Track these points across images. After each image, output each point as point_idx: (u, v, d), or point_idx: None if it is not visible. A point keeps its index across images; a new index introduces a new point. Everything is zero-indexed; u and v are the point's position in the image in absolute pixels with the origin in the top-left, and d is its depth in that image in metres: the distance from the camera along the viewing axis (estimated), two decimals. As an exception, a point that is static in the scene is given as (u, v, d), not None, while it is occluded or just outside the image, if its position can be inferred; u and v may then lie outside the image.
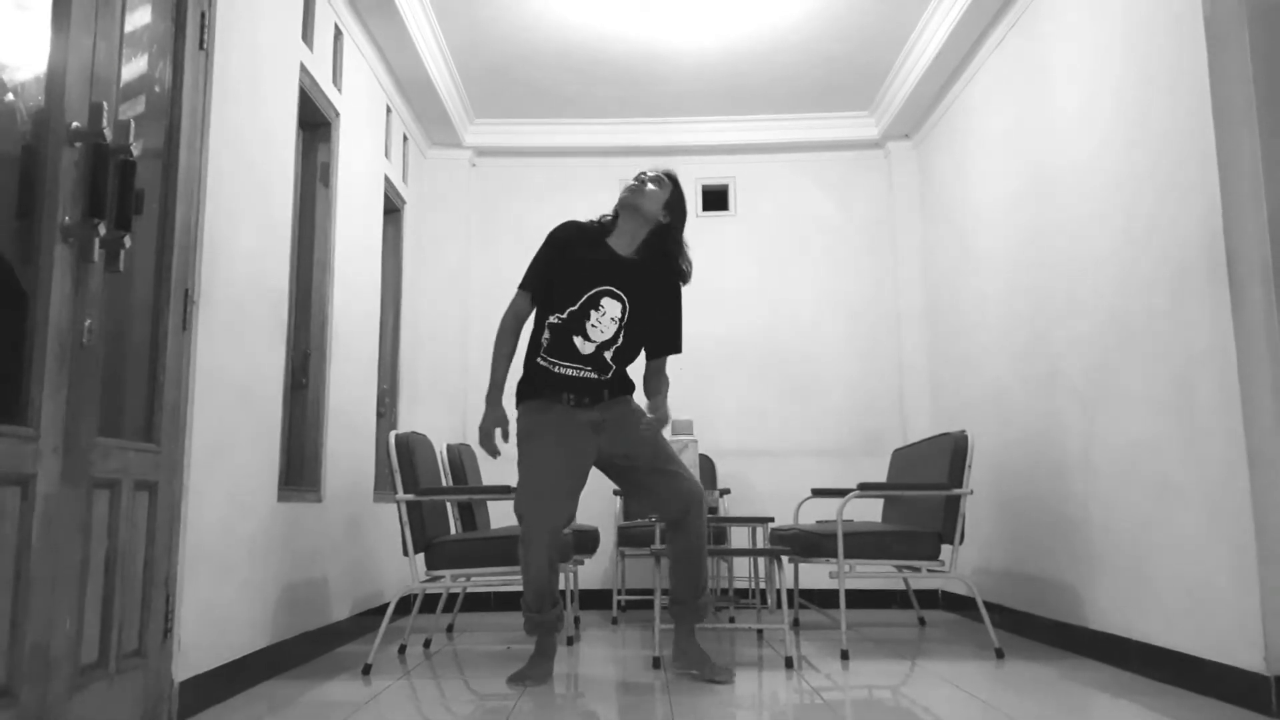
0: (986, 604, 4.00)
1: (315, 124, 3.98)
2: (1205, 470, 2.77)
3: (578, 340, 3.07)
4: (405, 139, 5.32)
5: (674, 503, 3.05)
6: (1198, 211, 2.79)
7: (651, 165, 3.36)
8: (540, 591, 3.00)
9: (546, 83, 5.33)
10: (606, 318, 3.07)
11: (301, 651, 3.52)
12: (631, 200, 3.12)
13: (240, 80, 2.96)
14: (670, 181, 3.18)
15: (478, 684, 3.12)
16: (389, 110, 4.95)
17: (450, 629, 4.59)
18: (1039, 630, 3.91)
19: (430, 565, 3.57)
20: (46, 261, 1.89)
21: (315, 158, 4.01)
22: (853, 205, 5.89)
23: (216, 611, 2.78)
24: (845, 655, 3.53)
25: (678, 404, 5.86)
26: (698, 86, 5.39)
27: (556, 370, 3.07)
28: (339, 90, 4.10)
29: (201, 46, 2.70)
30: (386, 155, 4.92)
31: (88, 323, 2.02)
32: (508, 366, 3.18)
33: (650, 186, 3.12)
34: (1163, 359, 2.99)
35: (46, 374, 1.88)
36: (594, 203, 5.89)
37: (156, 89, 2.49)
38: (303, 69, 3.61)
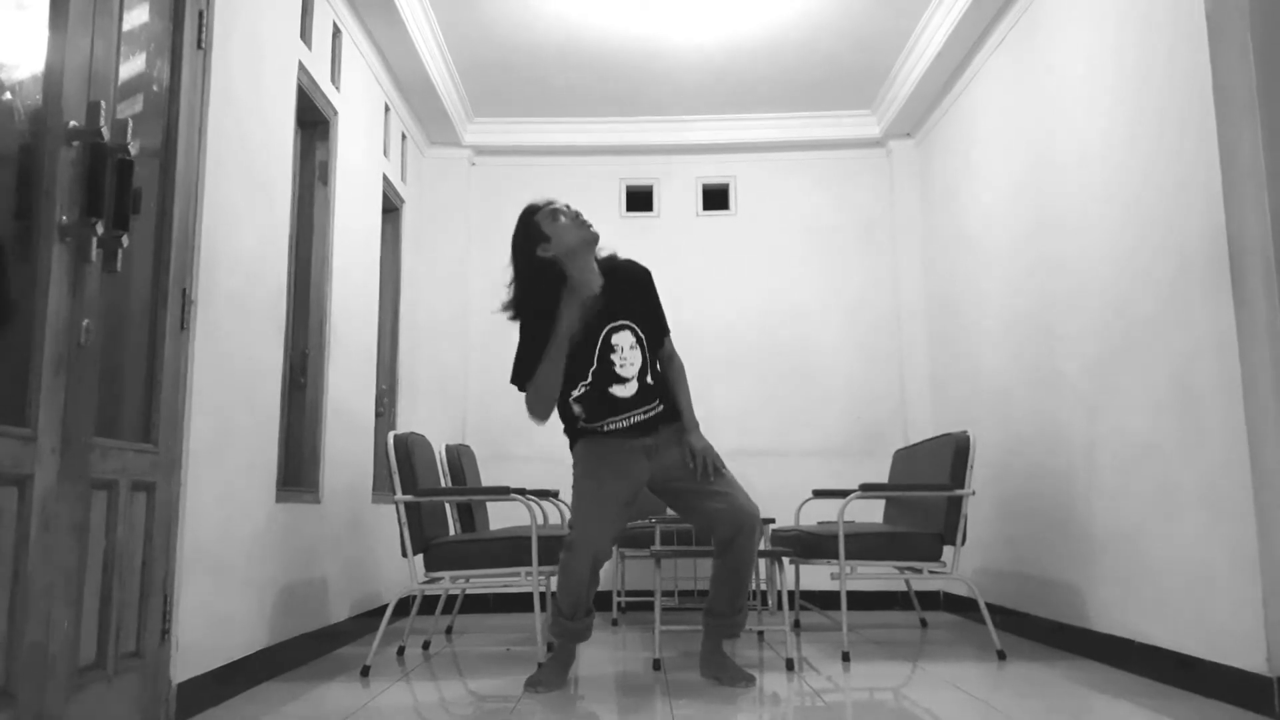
0: (988, 605, 4.01)
1: (314, 123, 3.99)
2: (1207, 470, 2.77)
3: (615, 389, 3.04)
4: (404, 138, 5.32)
5: (723, 526, 3.00)
6: (1200, 208, 2.80)
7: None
8: (577, 600, 3.01)
9: (546, 81, 5.34)
10: (627, 347, 3.06)
11: (300, 653, 3.52)
12: (590, 236, 2.98)
13: (239, 79, 2.97)
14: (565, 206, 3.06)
15: (477, 686, 3.12)
16: (387, 109, 4.96)
17: (449, 630, 4.59)
18: (1041, 631, 3.92)
19: (429, 566, 3.57)
20: (44, 261, 1.90)
21: (314, 156, 4.02)
22: (854, 204, 5.90)
23: (215, 612, 2.78)
24: (846, 657, 3.54)
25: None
26: (698, 85, 5.40)
27: (605, 430, 3.06)
28: (337, 89, 4.10)
29: (199, 45, 2.71)
30: (385, 154, 4.92)
31: (85, 323, 2.02)
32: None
33: (584, 217, 3.02)
34: (1164, 358, 2.99)
35: (44, 374, 1.89)
36: (594, 202, 5.92)
37: (154, 88, 2.49)
38: (301, 67, 3.61)
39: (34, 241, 1.89)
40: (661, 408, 3.09)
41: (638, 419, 3.06)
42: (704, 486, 3.03)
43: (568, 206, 3.04)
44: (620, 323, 3.06)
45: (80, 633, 2.07)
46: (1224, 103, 2.70)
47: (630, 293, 3.12)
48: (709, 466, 3.03)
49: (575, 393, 3.04)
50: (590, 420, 3.07)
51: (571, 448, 3.18)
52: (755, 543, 3.02)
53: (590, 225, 3.03)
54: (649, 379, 3.08)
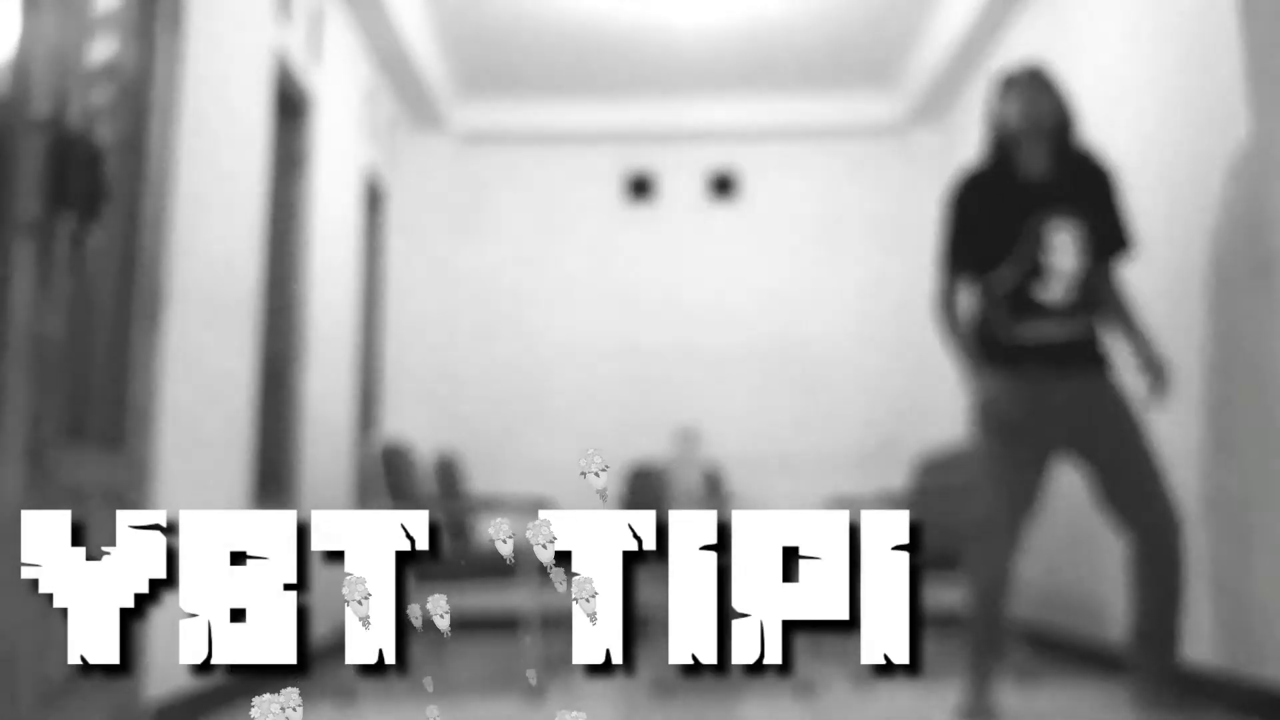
0: (1013, 620, 4.01)
1: (292, 108, 3.99)
2: (1239, 475, 2.78)
3: (1039, 291, 2.68)
4: (389, 123, 5.34)
5: (1139, 527, 2.65)
6: (1232, 187, 2.81)
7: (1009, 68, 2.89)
8: (996, 615, 2.85)
9: (540, 60, 5.34)
10: (1065, 239, 2.69)
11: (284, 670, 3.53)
12: (1027, 119, 2.71)
13: (212, 63, 2.99)
14: (1043, 81, 2.75)
15: (468, 704, 3.14)
16: (372, 93, 4.97)
17: (439, 647, 4.61)
18: (1061, 644, 3.93)
19: (418, 579, 3.59)
20: (9, 257, 1.92)
21: (292, 144, 4.02)
22: (871, 192, 5.89)
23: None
24: (865, 672, 3.55)
25: (684, 406, 5.83)
26: (703, 62, 5.38)
27: (1021, 339, 2.70)
28: (319, 72, 4.12)
29: (172, 29, 2.73)
30: (369, 141, 4.94)
31: (51, 320, 2.04)
32: (963, 331, 2.80)
33: (1039, 102, 2.73)
34: (1195, 358, 3.00)
35: (9, 376, 1.91)
36: (591, 189, 5.92)
37: (125, 74, 2.52)
38: (279, 50, 3.62)
39: (-1, 236, 1.92)
40: (1094, 333, 2.73)
41: (1067, 331, 2.68)
42: (1126, 472, 2.66)
43: (1033, 75, 2.75)
44: (1060, 209, 2.71)
45: (52, 646, 2.09)
46: (1257, 74, 2.72)
47: (1080, 194, 2.76)
48: (1160, 381, 2.69)
49: (998, 278, 2.72)
50: (1007, 330, 2.71)
51: (973, 374, 2.76)
52: (1179, 556, 2.61)
53: (1035, 104, 2.71)
54: (1084, 290, 2.70)
